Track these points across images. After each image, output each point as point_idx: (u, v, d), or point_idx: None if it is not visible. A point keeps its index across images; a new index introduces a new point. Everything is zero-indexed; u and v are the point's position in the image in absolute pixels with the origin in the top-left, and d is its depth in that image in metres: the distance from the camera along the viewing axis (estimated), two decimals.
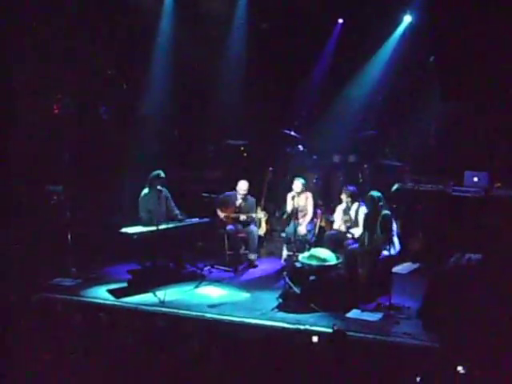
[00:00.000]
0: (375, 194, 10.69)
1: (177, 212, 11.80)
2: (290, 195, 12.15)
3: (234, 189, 12.56)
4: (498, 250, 10.07)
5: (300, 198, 12.10)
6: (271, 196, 13.38)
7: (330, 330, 8.59)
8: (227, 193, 12.66)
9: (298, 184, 12.10)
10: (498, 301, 8.72)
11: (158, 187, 11.73)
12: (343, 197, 11.82)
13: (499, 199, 11.83)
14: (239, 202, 12.51)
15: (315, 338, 8.26)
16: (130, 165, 13.80)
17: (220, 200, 12.59)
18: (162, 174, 11.75)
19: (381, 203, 10.60)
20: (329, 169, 14.33)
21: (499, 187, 12.21)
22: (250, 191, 12.55)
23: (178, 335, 7.96)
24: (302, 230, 11.94)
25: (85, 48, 13.67)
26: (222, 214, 12.46)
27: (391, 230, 10.42)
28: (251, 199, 12.60)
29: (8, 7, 12.55)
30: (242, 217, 12.41)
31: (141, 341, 7.85)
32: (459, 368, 7.00)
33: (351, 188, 11.84)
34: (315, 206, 12.48)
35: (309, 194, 12.32)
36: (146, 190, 11.76)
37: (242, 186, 12.46)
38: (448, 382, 7.16)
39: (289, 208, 12.14)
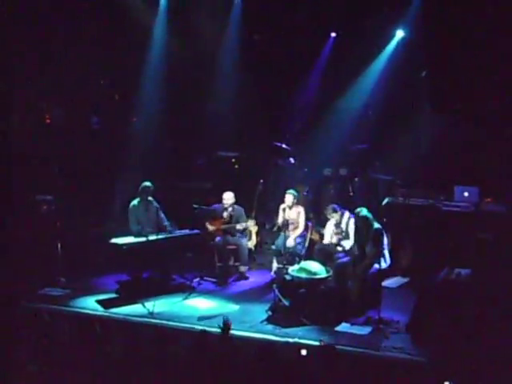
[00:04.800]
0: (363, 212, 10.64)
1: (166, 223, 11.79)
2: (281, 207, 12.15)
3: (221, 201, 12.56)
4: (488, 265, 10.08)
5: (291, 212, 12.12)
6: (262, 208, 13.38)
7: (318, 344, 8.59)
8: (213, 205, 12.65)
9: (289, 197, 12.09)
10: (487, 316, 8.73)
11: (149, 198, 11.74)
12: (328, 214, 11.82)
13: (489, 214, 11.84)
14: (227, 213, 12.49)
15: (304, 352, 8.24)
16: (120, 175, 13.81)
17: (207, 213, 12.56)
18: (151, 186, 11.77)
19: (369, 219, 10.58)
20: (320, 182, 14.35)
21: (489, 202, 12.23)
22: (237, 201, 12.54)
23: (166, 347, 7.93)
24: (290, 242, 11.92)
25: (77, 58, 13.66)
26: (210, 227, 12.45)
27: (382, 244, 10.41)
28: (239, 209, 12.58)
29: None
30: (238, 226, 12.39)
31: (129, 352, 7.81)
32: (446, 383, 7.00)
33: (332, 206, 11.84)
34: (306, 219, 12.46)
35: (301, 209, 12.31)
36: (135, 202, 11.78)
37: (227, 196, 12.46)
38: None
39: (279, 220, 12.14)
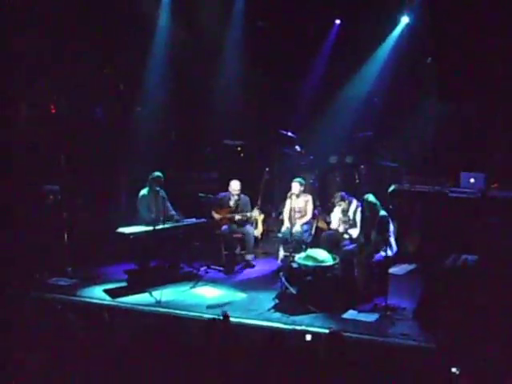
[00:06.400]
0: (371, 198, 10.65)
1: (173, 213, 11.81)
2: (288, 195, 12.07)
3: (228, 189, 12.55)
4: (495, 251, 10.07)
5: (299, 200, 12.08)
6: (268, 196, 13.37)
7: (326, 331, 8.60)
8: (221, 194, 12.65)
9: (295, 185, 12.01)
10: (494, 302, 8.72)
11: (157, 188, 11.73)
12: (336, 202, 11.80)
13: (495, 200, 11.83)
14: (233, 201, 12.49)
15: (309, 337, 8.26)
16: (126, 165, 13.82)
17: (214, 201, 12.57)
18: (161, 176, 11.75)
19: (377, 206, 10.57)
20: (325, 169, 14.33)
21: (495, 188, 12.21)
22: (243, 190, 12.54)
23: (173, 335, 7.95)
24: (296, 229, 11.86)
25: (81, 47, 13.64)
26: (217, 216, 12.44)
27: (388, 231, 10.39)
28: (245, 198, 12.58)
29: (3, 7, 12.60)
30: (237, 217, 12.38)
31: (137, 341, 7.83)
32: (454, 369, 6.99)
33: (340, 194, 11.83)
34: (313, 207, 12.43)
35: (309, 197, 12.26)
36: (144, 191, 11.77)
37: (234, 185, 12.45)
38: (442, 382, 7.16)
39: (286, 208, 12.12)
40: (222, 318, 8.06)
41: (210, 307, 10.23)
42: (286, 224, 11.94)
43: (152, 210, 11.67)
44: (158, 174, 11.79)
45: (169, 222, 11.47)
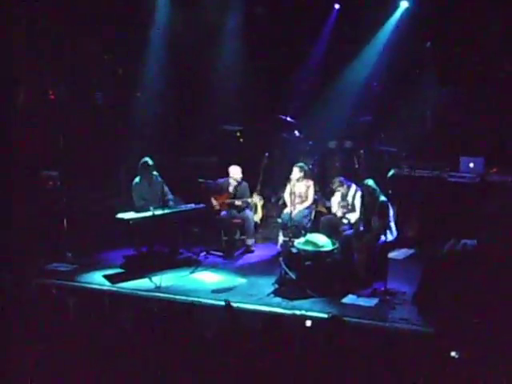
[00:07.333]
0: (370, 182, 10.64)
1: (170, 197, 11.76)
2: (289, 179, 12.00)
3: (227, 175, 12.53)
4: (494, 235, 10.07)
5: (300, 185, 12.05)
6: (267, 181, 13.35)
7: (325, 316, 8.62)
8: (219, 180, 12.60)
9: (295, 170, 11.94)
10: (493, 286, 8.74)
11: (154, 173, 11.70)
12: (335, 187, 11.78)
13: (495, 185, 11.83)
14: (232, 187, 12.47)
15: (308, 323, 8.28)
16: (125, 150, 13.81)
17: (213, 187, 12.54)
18: (150, 162, 11.72)
19: (377, 191, 10.56)
20: (325, 154, 14.31)
21: (495, 173, 12.20)
22: (243, 176, 12.52)
23: (173, 321, 7.96)
24: (296, 213, 11.84)
25: (80, 33, 13.61)
26: (215, 202, 12.40)
27: (388, 216, 10.40)
28: (244, 184, 12.55)
29: None
30: (237, 202, 12.38)
31: (137, 326, 7.84)
32: (453, 353, 7.02)
33: (338, 179, 11.80)
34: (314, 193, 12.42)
35: (311, 183, 12.24)
36: (137, 179, 11.75)
37: (234, 171, 12.42)
38: (441, 366, 7.18)
39: (286, 193, 12.11)
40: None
41: (209, 292, 10.26)
42: (288, 208, 11.90)
43: (145, 196, 11.63)
44: (145, 159, 11.78)
45: (168, 208, 11.44)
